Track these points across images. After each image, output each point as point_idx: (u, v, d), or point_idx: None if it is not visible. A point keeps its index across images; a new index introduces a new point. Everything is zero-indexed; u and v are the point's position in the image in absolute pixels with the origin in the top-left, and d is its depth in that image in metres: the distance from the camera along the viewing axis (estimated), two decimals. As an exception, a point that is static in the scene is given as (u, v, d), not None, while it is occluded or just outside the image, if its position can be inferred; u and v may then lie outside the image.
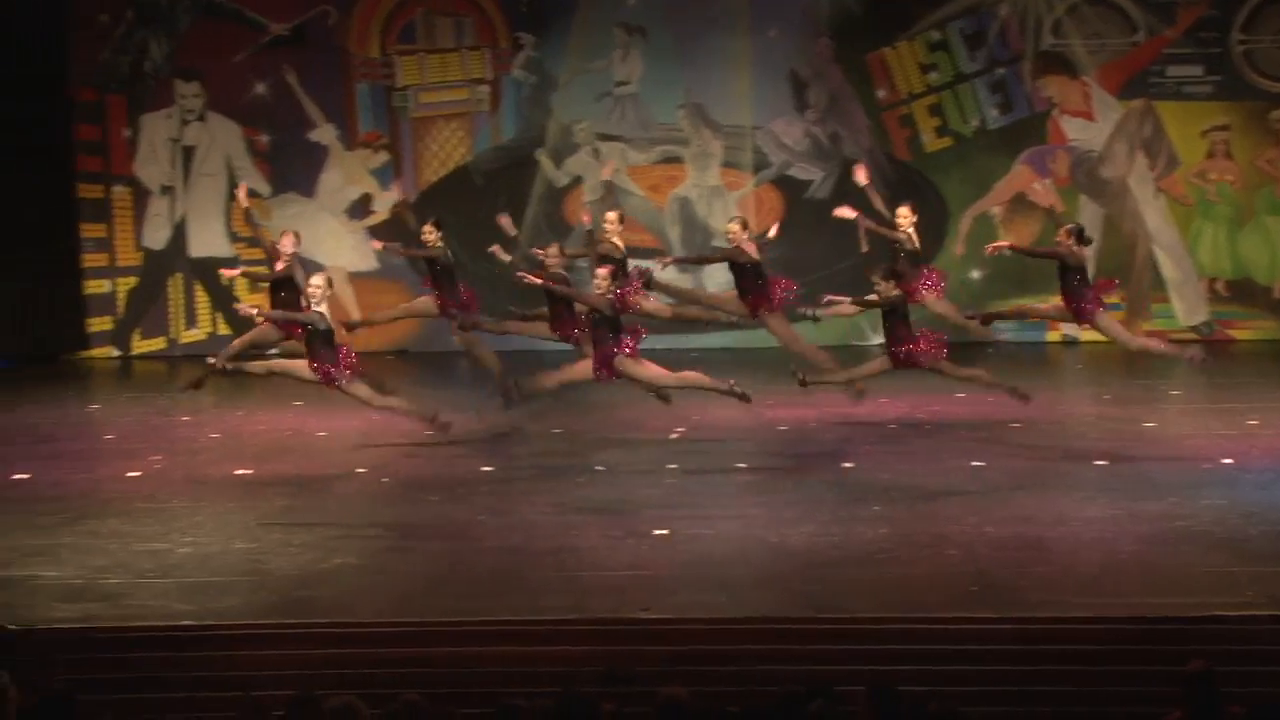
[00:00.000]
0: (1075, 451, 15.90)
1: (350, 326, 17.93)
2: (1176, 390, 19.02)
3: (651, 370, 15.23)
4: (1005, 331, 22.40)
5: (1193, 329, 22.42)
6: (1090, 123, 22.48)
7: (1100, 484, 14.63)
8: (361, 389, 15.62)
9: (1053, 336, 22.49)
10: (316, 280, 15.66)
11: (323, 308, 15.43)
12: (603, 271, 15.06)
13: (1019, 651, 11.09)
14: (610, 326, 14.93)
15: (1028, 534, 13.17)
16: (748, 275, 16.57)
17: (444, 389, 20.45)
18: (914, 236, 17.04)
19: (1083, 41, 22.42)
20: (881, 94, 22.57)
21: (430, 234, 17.29)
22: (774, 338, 17.13)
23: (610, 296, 14.91)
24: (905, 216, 17.03)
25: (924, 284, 16.98)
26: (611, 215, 17.33)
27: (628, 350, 14.92)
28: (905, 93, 22.60)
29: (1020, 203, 22.52)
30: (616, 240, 17.07)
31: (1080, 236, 16.05)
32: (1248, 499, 13.98)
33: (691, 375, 15.37)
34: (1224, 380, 20.01)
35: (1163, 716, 8.29)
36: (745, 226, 16.73)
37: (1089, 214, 22.37)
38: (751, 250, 16.53)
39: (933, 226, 22.14)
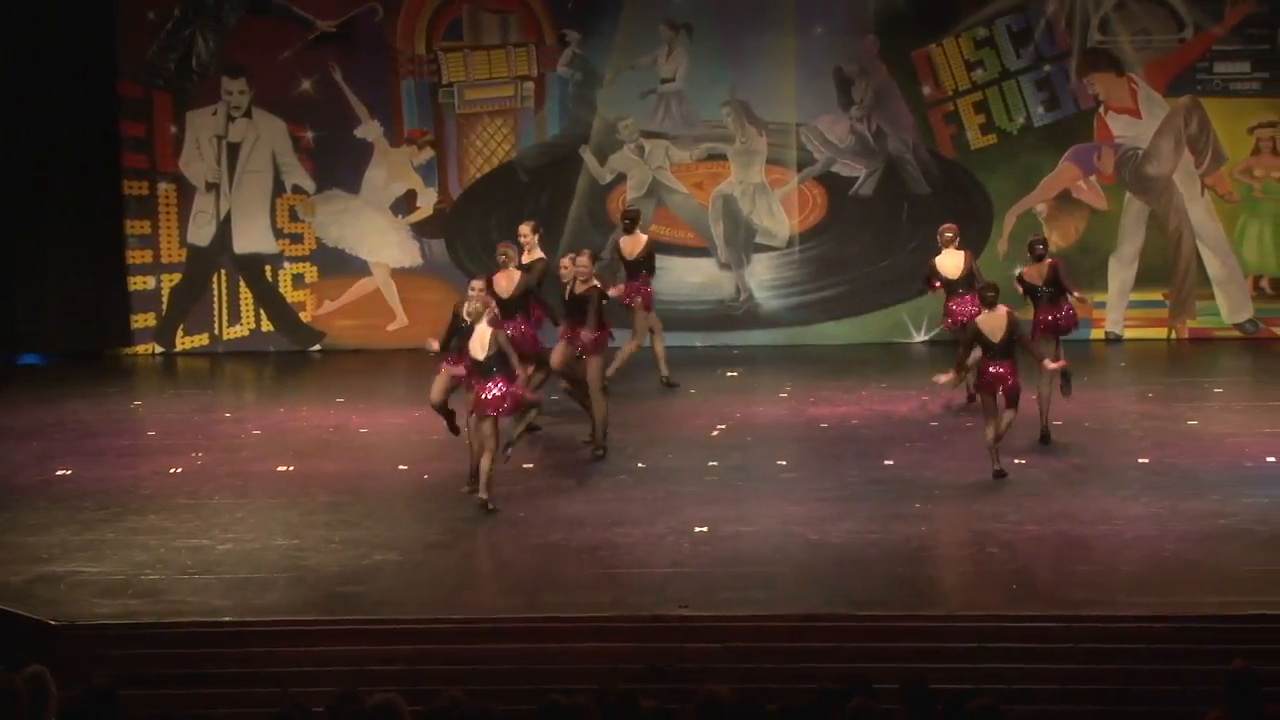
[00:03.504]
0: (1118, 449, 15.85)
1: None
2: (1220, 388, 18.93)
3: None
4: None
5: (1237, 326, 22.29)
6: (1136, 120, 22.34)
7: (1143, 482, 14.59)
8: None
9: (1096, 334, 22.37)
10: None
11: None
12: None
13: (1059, 650, 11.08)
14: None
15: (1070, 532, 13.16)
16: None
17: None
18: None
19: (1130, 38, 22.28)
20: (927, 91, 22.47)
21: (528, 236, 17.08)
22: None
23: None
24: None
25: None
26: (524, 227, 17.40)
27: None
28: (951, 89, 22.49)
29: (1065, 200, 22.42)
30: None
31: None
32: (1292, 498, 13.94)
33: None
34: (1267, 378, 19.92)
35: (1203, 715, 8.26)
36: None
37: (1135, 211, 22.28)
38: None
39: (977, 224, 22.06)
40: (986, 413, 14.83)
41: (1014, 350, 14.80)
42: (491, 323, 14.03)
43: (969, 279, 17.33)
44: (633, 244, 18.56)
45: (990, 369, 14.75)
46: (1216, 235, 22.30)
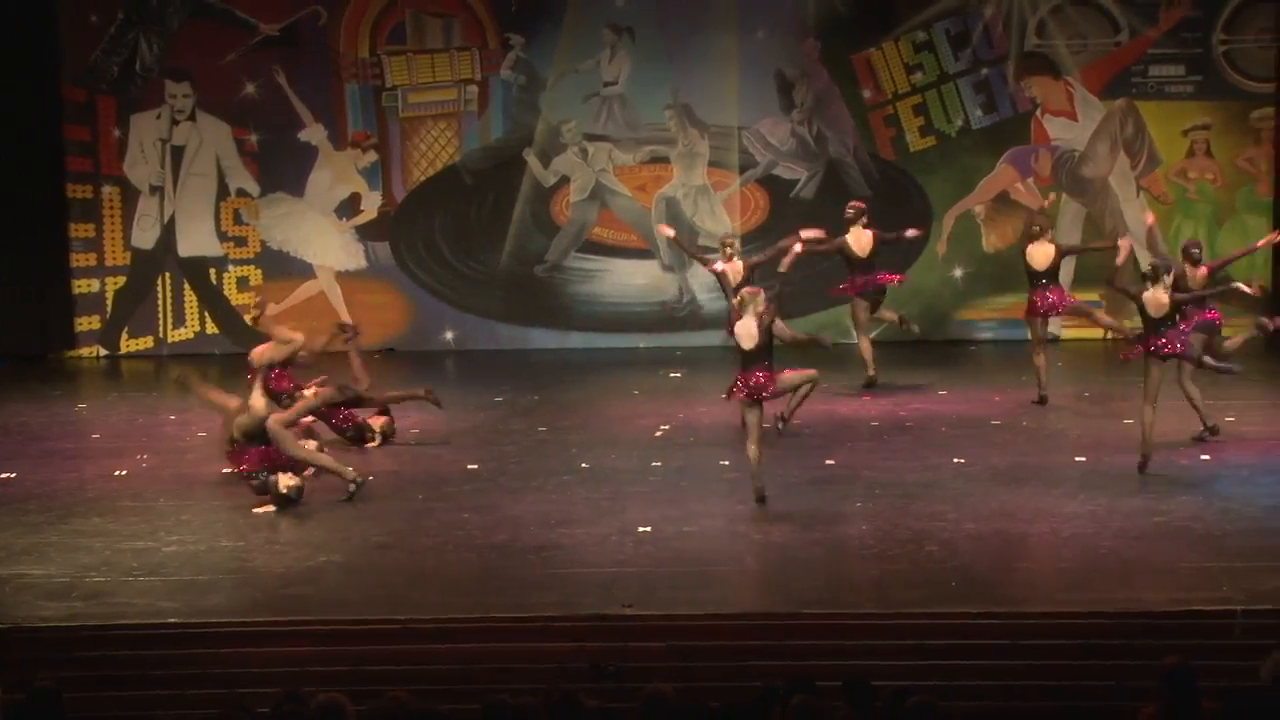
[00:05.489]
0: (1055, 448, 15.93)
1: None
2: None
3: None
4: (986, 330, 22.50)
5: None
6: (1073, 122, 22.49)
7: (1080, 480, 14.66)
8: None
9: (1035, 334, 22.50)
10: None
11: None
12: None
13: (998, 646, 11.13)
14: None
15: (1008, 530, 13.21)
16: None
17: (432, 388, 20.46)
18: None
19: (1066, 42, 22.42)
20: (867, 94, 22.57)
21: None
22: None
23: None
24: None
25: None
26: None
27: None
28: (890, 92, 22.59)
29: (1003, 202, 22.55)
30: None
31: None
32: (1224, 495, 14.04)
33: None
34: (1201, 378, 20.01)
35: (1140, 710, 8.30)
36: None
37: (1071, 212, 22.41)
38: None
39: (917, 225, 22.14)
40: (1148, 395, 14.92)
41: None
42: (754, 314, 14.11)
43: (1054, 271, 17.69)
44: (858, 238, 18.60)
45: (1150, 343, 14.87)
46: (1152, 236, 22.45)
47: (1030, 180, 22.48)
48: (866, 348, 18.73)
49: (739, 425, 17.09)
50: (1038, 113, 22.49)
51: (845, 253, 18.48)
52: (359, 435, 16.73)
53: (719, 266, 17.31)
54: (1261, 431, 16.22)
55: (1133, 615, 11.34)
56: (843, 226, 18.45)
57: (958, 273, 22.53)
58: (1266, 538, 13.01)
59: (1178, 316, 14.97)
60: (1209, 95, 22.38)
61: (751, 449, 14.16)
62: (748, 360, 14.10)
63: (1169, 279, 14.85)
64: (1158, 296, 14.76)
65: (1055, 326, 22.36)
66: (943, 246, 22.32)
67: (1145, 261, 21.67)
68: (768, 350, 14.13)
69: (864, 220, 18.43)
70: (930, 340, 21.51)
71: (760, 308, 14.09)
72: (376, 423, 16.88)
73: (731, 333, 14.68)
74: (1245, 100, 22.37)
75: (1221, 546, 12.68)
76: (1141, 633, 11.11)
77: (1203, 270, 16.15)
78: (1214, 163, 22.46)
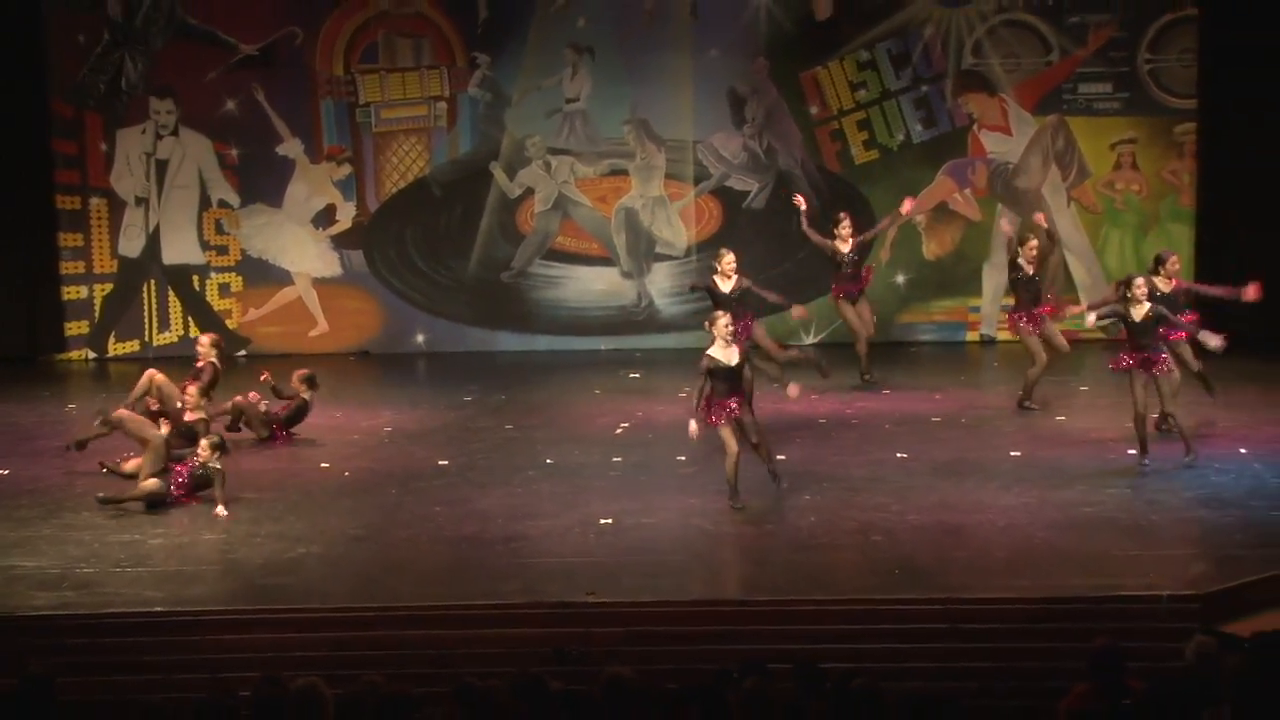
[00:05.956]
0: (992, 444, 15.98)
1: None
2: (1085, 386, 19.11)
3: None
4: (926, 333, 22.55)
5: (1101, 329, 22.48)
6: (1007, 137, 22.54)
7: (1015, 474, 14.72)
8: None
9: (971, 336, 22.57)
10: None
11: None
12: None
13: (939, 630, 11.17)
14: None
15: (948, 521, 13.26)
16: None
17: (405, 388, 20.45)
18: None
19: (1000, 61, 22.47)
20: (814, 110, 22.58)
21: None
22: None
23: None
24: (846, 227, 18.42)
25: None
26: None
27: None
28: (836, 109, 22.60)
29: (942, 211, 22.60)
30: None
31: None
32: (1150, 488, 14.12)
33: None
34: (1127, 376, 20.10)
35: (1071, 690, 8.34)
36: None
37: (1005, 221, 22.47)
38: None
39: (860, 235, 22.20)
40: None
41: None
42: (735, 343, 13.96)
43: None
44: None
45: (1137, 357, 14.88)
46: (1082, 244, 22.55)
47: (967, 191, 22.54)
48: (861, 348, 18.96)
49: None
50: (974, 128, 22.55)
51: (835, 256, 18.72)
52: (297, 416, 16.83)
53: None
54: (1183, 427, 16.26)
55: (1064, 600, 11.41)
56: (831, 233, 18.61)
57: (900, 278, 22.57)
58: (1189, 527, 13.11)
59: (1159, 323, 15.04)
60: (1135, 111, 22.46)
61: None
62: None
63: (1138, 290, 14.81)
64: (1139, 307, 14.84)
65: (992, 329, 22.47)
66: (885, 254, 22.34)
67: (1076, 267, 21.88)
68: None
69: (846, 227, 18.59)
70: (874, 342, 21.55)
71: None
72: (298, 387, 16.92)
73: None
74: (1169, 116, 22.45)
75: (1148, 536, 12.76)
76: (1073, 617, 11.18)
77: (1174, 284, 16.04)
78: (1139, 175, 22.54)
